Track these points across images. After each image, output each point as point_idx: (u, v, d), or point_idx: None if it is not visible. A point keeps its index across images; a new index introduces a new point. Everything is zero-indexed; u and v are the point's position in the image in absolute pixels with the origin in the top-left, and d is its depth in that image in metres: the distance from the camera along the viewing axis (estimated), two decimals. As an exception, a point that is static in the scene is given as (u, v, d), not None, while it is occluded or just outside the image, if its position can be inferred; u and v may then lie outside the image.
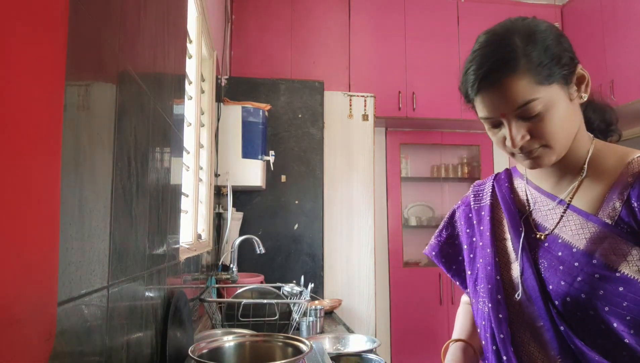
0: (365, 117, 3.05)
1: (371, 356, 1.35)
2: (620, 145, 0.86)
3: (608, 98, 3.25)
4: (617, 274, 0.72)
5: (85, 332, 0.59)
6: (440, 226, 1.07)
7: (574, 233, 0.78)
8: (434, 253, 1.06)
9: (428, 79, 3.62)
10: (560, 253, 0.79)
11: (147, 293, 0.91)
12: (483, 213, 0.95)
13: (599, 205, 0.78)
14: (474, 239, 0.95)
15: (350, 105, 3.05)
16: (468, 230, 0.98)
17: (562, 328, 0.76)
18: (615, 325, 0.71)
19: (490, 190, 0.96)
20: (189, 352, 0.92)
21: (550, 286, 0.78)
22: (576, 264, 0.76)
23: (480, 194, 0.99)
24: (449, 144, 3.98)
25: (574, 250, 0.77)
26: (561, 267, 0.77)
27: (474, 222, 0.96)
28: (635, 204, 0.73)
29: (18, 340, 0.38)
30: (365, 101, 3.07)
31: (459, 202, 1.05)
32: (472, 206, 0.99)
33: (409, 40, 3.69)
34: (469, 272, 0.96)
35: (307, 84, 2.89)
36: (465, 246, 0.98)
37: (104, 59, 0.65)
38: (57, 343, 0.48)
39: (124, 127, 0.75)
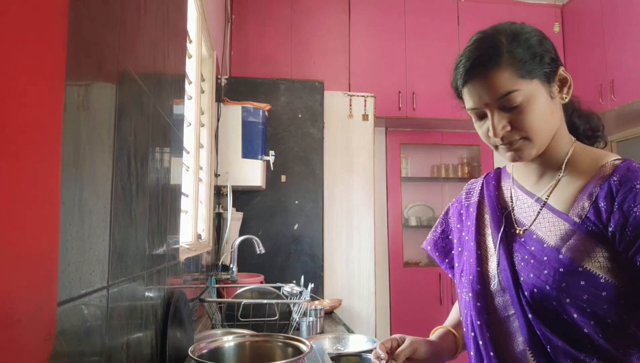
0: (365, 117, 3.05)
1: (371, 356, 1.35)
2: (605, 149, 0.91)
3: (608, 98, 3.25)
4: (580, 269, 0.77)
5: (85, 332, 0.59)
6: (437, 222, 1.15)
7: (547, 229, 0.84)
8: (429, 247, 1.14)
9: (428, 79, 3.62)
10: (532, 248, 0.84)
11: (147, 293, 0.91)
12: (471, 209, 1.01)
13: (570, 204, 0.83)
14: (463, 234, 1.02)
15: (350, 105, 3.05)
16: (459, 226, 1.04)
17: (530, 316, 0.82)
18: (575, 316, 0.77)
19: (480, 188, 1.03)
20: (189, 352, 0.92)
21: (522, 278, 0.84)
22: (545, 258, 0.82)
23: (471, 192, 1.06)
24: (449, 144, 3.98)
25: (545, 245, 0.83)
26: (532, 261, 0.83)
27: (464, 218, 1.03)
28: (602, 204, 0.78)
29: (18, 340, 0.38)
30: (365, 101, 3.07)
31: (454, 199, 1.12)
32: (463, 203, 1.06)
33: (409, 40, 3.69)
34: (457, 265, 1.02)
35: (307, 84, 2.89)
36: (455, 241, 1.05)
37: (104, 59, 0.65)
38: (57, 343, 0.48)
39: (124, 127, 0.75)
